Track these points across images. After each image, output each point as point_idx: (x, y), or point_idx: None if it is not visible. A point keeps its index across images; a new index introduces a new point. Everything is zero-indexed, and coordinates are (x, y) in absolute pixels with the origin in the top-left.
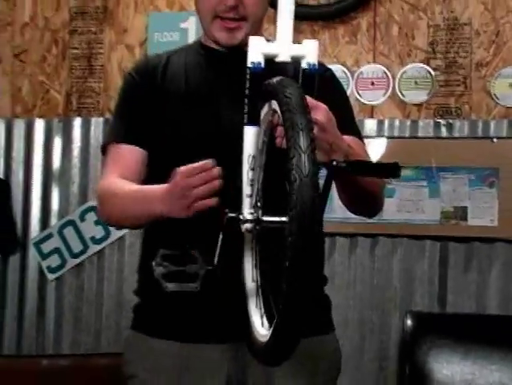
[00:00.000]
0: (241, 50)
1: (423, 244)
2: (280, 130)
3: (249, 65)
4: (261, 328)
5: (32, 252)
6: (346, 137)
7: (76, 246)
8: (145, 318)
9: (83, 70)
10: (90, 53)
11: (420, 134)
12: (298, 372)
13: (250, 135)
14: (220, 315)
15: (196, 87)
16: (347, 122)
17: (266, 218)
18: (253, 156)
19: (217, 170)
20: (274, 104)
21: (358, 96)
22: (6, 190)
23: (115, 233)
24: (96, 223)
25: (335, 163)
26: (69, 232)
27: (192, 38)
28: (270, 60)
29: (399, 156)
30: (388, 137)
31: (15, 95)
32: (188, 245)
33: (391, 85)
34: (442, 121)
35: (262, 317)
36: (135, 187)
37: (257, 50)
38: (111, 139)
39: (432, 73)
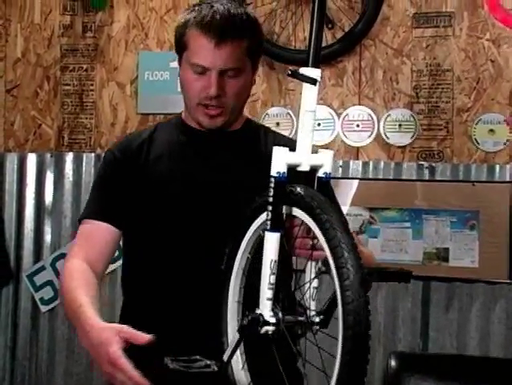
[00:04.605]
0: (222, 130)
1: (406, 283)
2: (301, 242)
3: (274, 174)
4: None
5: (25, 284)
6: None
7: None
8: None
9: (75, 106)
10: (81, 89)
11: (403, 176)
12: None
13: (273, 241)
14: None
15: (180, 168)
16: None
17: (288, 318)
18: (275, 261)
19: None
20: (297, 212)
21: (344, 138)
22: (0, 224)
23: (108, 267)
24: None
25: None
26: (62, 265)
27: None
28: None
29: (383, 197)
30: (373, 179)
31: (8, 129)
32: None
33: (375, 127)
34: (425, 164)
35: None
36: (82, 301)
37: (281, 161)
38: (86, 214)
39: (416, 117)
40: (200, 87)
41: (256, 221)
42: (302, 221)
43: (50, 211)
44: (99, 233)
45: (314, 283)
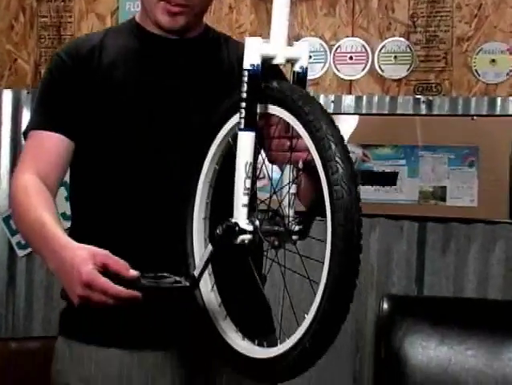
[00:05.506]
0: (181, 37)
1: (401, 224)
2: (278, 143)
3: (247, 67)
4: (246, 343)
5: (1, 228)
6: None
7: None
8: (79, 324)
9: (52, 39)
10: (59, 22)
11: (399, 111)
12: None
13: (247, 141)
14: (164, 320)
15: (136, 75)
16: None
17: (265, 228)
18: (250, 163)
19: (131, 295)
20: (274, 109)
21: (336, 71)
22: None
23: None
24: (66, 199)
25: None
26: None
27: None
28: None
29: (377, 133)
30: (367, 114)
31: None
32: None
33: (370, 60)
34: (422, 98)
35: (237, 331)
36: (46, 219)
37: (255, 52)
38: (34, 124)
39: (412, 47)
40: None
41: (225, 126)
42: (280, 119)
43: None
44: (51, 144)
45: (292, 189)
